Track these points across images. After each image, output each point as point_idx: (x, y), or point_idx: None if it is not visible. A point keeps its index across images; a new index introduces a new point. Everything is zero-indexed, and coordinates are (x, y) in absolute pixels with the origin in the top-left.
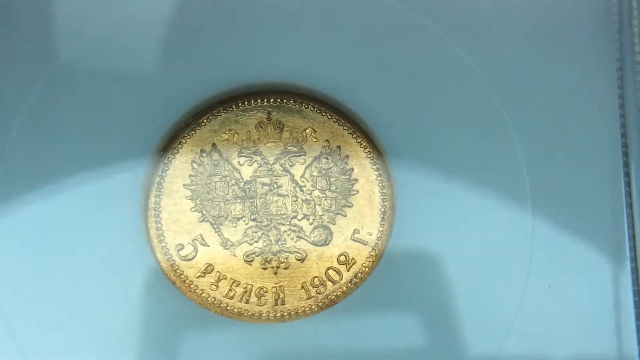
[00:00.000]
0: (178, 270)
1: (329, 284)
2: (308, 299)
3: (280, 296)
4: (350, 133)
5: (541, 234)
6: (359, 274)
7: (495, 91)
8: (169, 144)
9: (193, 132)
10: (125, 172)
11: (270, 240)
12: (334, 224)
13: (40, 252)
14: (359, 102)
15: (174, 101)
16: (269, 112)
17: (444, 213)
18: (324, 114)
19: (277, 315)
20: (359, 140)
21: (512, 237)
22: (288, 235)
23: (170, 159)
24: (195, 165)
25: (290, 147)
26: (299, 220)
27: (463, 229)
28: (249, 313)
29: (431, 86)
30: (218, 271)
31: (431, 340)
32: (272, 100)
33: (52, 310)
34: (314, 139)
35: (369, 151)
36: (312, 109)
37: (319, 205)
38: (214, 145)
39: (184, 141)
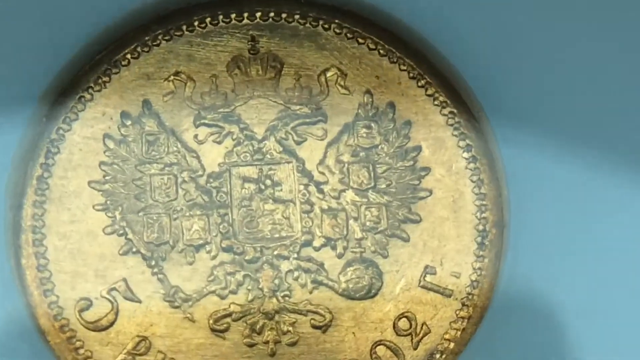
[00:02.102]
0: (81, 351)
1: None
2: None
3: None
4: (413, 78)
5: None
6: (437, 355)
7: None
8: (58, 104)
9: (106, 80)
10: None
11: (262, 290)
12: (384, 257)
13: None
14: (432, 22)
15: (70, 22)
16: (253, 38)
17: (590, 232)
18: (361, 40)
19: None
20: (432, 93)
21: None
22: (296, 279)
23: (61, 132)
24: (110, 144)
25: (297, 107)
26: (317, 249)
27: (621, 261)
28: None
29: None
30: (160, 351)
31: None
32: (258, 14)
33: None
34: (343, 90)
35: (451, 114)
36: (337, 31)
37: (356, 219)
38: (146, 103)
39: (87, 97)
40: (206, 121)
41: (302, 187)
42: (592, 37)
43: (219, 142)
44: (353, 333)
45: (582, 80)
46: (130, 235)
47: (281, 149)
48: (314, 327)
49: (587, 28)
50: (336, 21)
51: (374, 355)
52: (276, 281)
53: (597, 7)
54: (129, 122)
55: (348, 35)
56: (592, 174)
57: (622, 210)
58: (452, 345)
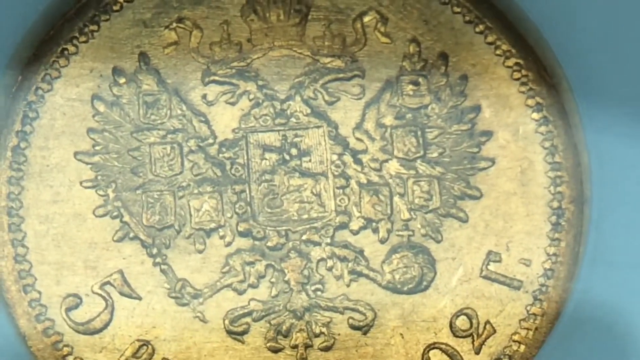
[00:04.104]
0: (70, 358)
1: None
2: None
3: None
4: (470, 22)
5: None
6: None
7: None
8: (36, 60)
9: (93, 29)
10: None
11: (288, 283)
12: (438, 241)
13: None
14: None
15: None
16: None
17: None
18: None
19: None
20: (493, 41)
21: None
22: (330, 269)
23: (40, 93)
24: (100, 107)
25: (327, 60)
26: (355, 232)
27: None
28: None
29: None
30: (166, 358)
31: None
32: None
33: None
34: (384, 38)
35: (517, 65)
36: None
37: (402, 196)
38: (143, 56)
39: (71, 50)
40: (217, 78)
41: (335, 157)
42: None
43: (233, 104)
44: (401, 334)
45: None
46: (126, 218)
47: (309, 110)
48: (353, 327)
49: None
50: None
51: None
52: (305, 272)
53: None
54: (122, 80)
55: None
56: None
57: None
58: (522, 348)
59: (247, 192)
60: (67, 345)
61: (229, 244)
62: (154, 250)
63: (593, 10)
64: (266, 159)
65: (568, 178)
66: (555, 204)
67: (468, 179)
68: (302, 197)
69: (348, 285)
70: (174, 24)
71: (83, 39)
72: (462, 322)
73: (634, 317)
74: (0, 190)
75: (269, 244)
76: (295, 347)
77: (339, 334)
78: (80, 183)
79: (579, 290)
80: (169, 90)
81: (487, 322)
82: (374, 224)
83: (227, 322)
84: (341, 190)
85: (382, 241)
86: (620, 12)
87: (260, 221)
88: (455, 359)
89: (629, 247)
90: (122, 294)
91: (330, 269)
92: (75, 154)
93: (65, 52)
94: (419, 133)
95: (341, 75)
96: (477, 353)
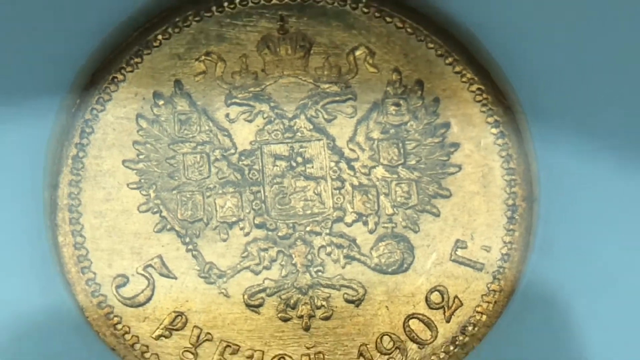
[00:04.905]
0: (119, 327)
1: (413, 347)
2: None
3: None
4: (440, 55)
5: None
6: (469, 328)
7: None
8: (91, 86)
9: (138, 61)
10: (15, 143)
11: (295, 265)
12: (416, 232)
13: None
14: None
15: (102, 5)
16: (282, 18)
17: (623, 214)
18: (388, 19)
19: None
20: (460, 71)
21: None
22: (328, 254)
23: (95, 113)
24: (143, 124)
25: (326, 85)
26: (349, 224)
27: None
28: None
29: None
30: (196, 326)
31: None
32: None
33: None
34: (372, 69)
35: (479, 90)
36: (365, 10)
37: (387, 195)
38: (178, 83)
39: (120, 78)
40: (237, 100)
41: (333, 164)
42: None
43: (250, 121)
44: (386, 307)
45: (612, 54)
46: (164, 213)
47: (311, 126)
48: (347, 301)
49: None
50: (363, 0)
51: (407, 329)
52: (309, 257)
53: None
54: (161, 102)
55: (376, 14)
56: (623, 151)
57: None
58: (484, 317)
59: (262, 192)
60: (117, 316)
61: (247, 234)
62: (187, 239)
63: (544, 45)
64: (277, 166)
65: (520, 181)
66: (510, 202)
67: (440, 182)
68: (306, 196)
69: (343, 267)
70: (203, 57)
71: (129, 69)
72: (435, 297)
73: (573, 294)
74: (63, 191)
75: (280, 234)
76: (301, 317)
77: (336, 307)
78: (127, 185)
79: (530, 272)
80: (198, 110)
81: (456, 297)
82: (364, 217)
83: (246, 297)
84: (338, 191)
85: (371, 232)
86: (568, 47)
87: (272, 215)
88: (430, 327)
89: (571, 238)
90: (161, 274)
91: (329, 254)
92: (123, 161)
93: (115, 80)
94: (400, 145)
95: (337, 98)
96: (448, 322)
